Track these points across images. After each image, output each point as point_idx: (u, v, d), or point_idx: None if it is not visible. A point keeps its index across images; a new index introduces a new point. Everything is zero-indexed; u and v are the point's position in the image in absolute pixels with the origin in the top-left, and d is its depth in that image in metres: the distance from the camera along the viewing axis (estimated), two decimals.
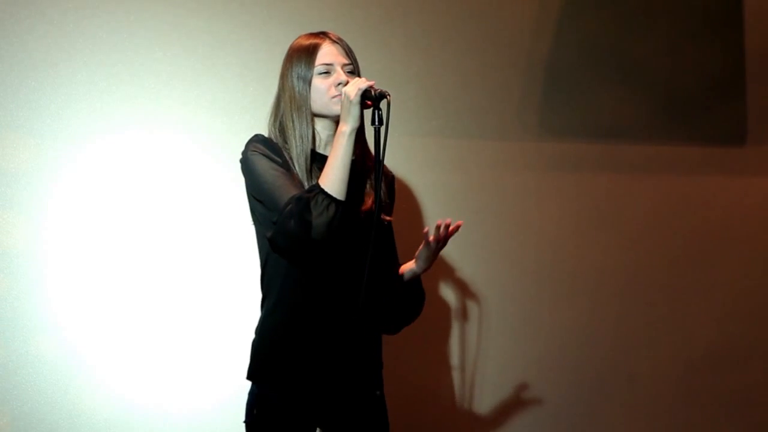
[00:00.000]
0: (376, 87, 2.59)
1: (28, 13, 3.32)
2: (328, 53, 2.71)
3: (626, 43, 3.90)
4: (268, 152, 2.67)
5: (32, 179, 3.33)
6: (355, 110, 2.58)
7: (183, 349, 3.41)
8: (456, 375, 3.71)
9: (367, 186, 2.74)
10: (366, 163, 2.75)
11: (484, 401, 3.73)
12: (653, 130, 3.93)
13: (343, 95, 2.61)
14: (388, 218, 2.81)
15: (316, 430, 2.76)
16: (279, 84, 2.76)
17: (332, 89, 2.68)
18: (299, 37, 2.77)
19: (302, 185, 2.64)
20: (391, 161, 2.88)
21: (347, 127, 2.59)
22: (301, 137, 2.69)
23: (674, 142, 3.95)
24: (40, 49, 3.33)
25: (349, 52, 2.74)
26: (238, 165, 2.73)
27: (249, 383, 2.76)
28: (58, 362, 3.33)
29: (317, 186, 2.58)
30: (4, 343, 3.30)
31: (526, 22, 3.81)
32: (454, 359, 3.71)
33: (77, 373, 3.34)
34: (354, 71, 2.73)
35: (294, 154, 2.69)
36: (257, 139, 2.71)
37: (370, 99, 2.59)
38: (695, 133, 3.97)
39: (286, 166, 2.67)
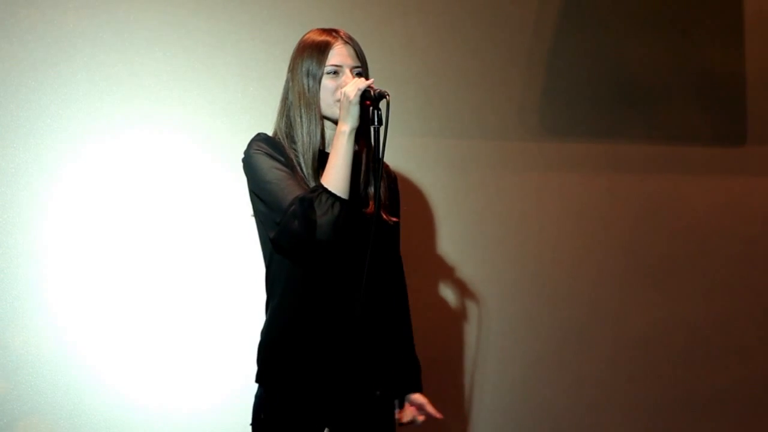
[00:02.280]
0: (375, 87, 2.59)
1: (28, 13, 3.32)
2: (338, 54, 2.69)
3: (626, 42, 3.90)
4: (271, 151, 2.66)
5: (32, 179, 3.33)
6: (355, 110, 2.58)
7: (183, 349, 3.41)
8: (456, 375, 3.71)
9: (370, 189, 2.73)
10: (370, 164, 2.74)
11: (484, 401, 3.73)
12: (653, 130, 3.93)
13: (342, 95, 2.61)
14: (393, 219, 2.80)
15: (324, 430, 2.75)
16: (288, 77, 2.74)
17: (338, 91, 2.67)
18: (311, 32, 2.75)
19: (306, 185, 2.64)
20: (391, 161, 2.88)
21: (347, 127, 2.58)
22: (309, 135, 2.68)
23: (674, 142, 3.95)
24: (40, 49, 3.33)
25: (359, 54, 2.72)
26: (239, 165, 2.72)
27: (250, 384, 2.75)
28: (58, 362, 3.33)
29: (320, 186, 2.57)
30: (4, 343, 3.30)
31: (526, 22, 3.81)
32: (454, 359, 3.71)
33: (77, 373, 3.34)
34: (363, 74, 2.72)
35: (301, 152, 2.68)
36: (260, 138, 2.70)
37: (369, 99, 2.58)
38: (695, 133, 3.97)
39: (289, 165, 2.66)
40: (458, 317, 3.71)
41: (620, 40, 3.90)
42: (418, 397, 2.86)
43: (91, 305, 3.35)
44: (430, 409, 2.86)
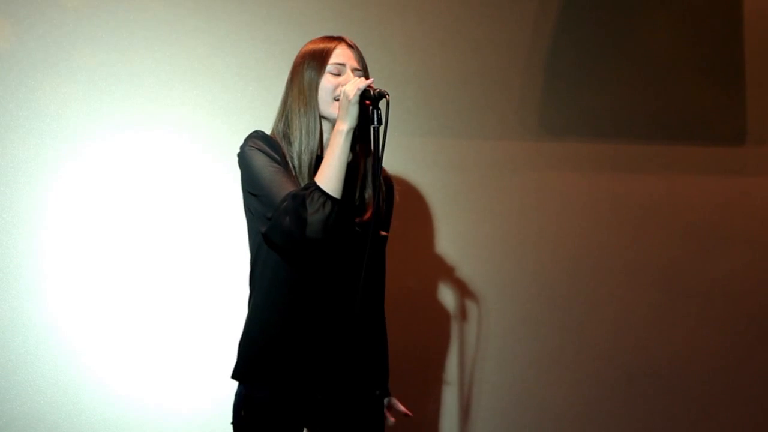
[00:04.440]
0: (374, 86, 2.59)
1: (28, 13, 3.33)
2: (342, 54, 2.71)
3: (626, 42, 3.90)
4: (266, 148, 2.66)
5: (32, 179, 3.33)
6: (354, 110, 2.58)
7: (183, 349, 3.41)
8: (455, 375, 3.71)
9: (366, 194, 2.72)
10: (367, 168, 2.74)
11: (483, 401, 3.73)
12: (653, 130, 3.93)
13: (342, 94, 2.61)
14: (382, 233, 2.80)
15: (303, 430, 2.74)
16: (288, 79, 2.75)
17: (338, 89, 2.68)
18: (315, 39, 2.77)
19: (299, 184, 2.64)
20: (391, 161, 2.88)
21: (345, 126, 2.58)
22: (308, 133, 2.68)
23: (674, 142, 3.95)
24: (40, 49, 3.33)
25: (361, 59, 2.74)
26: (237, 164, 2.73)
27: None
28: (58, 362, 3.33)
29: (313, 183, 2.57)
30: (4, 343, 3.31)
31: (526, 22, 3.81)
32: (453, 359, 3.71)
33: (77, 373, 3.34)
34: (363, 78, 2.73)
35: (296, 151, 2.68)
36: (256, 135, 2.70)
37: (369, 98, 2.58)
38: (695, 133, 3.97)
39: (284, 164, 2.66)
40: (457, 317, 3.71)
41: (619, 40, 3.90)
42: (389, 400, 2.88)
43: (90, 305, 3.35)
44: (401, 407, 2.87)
